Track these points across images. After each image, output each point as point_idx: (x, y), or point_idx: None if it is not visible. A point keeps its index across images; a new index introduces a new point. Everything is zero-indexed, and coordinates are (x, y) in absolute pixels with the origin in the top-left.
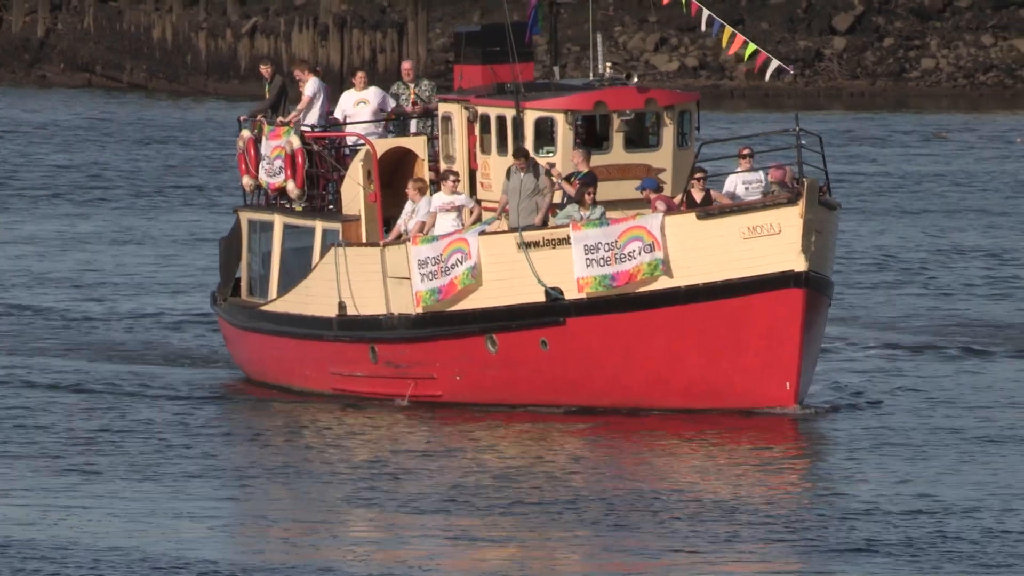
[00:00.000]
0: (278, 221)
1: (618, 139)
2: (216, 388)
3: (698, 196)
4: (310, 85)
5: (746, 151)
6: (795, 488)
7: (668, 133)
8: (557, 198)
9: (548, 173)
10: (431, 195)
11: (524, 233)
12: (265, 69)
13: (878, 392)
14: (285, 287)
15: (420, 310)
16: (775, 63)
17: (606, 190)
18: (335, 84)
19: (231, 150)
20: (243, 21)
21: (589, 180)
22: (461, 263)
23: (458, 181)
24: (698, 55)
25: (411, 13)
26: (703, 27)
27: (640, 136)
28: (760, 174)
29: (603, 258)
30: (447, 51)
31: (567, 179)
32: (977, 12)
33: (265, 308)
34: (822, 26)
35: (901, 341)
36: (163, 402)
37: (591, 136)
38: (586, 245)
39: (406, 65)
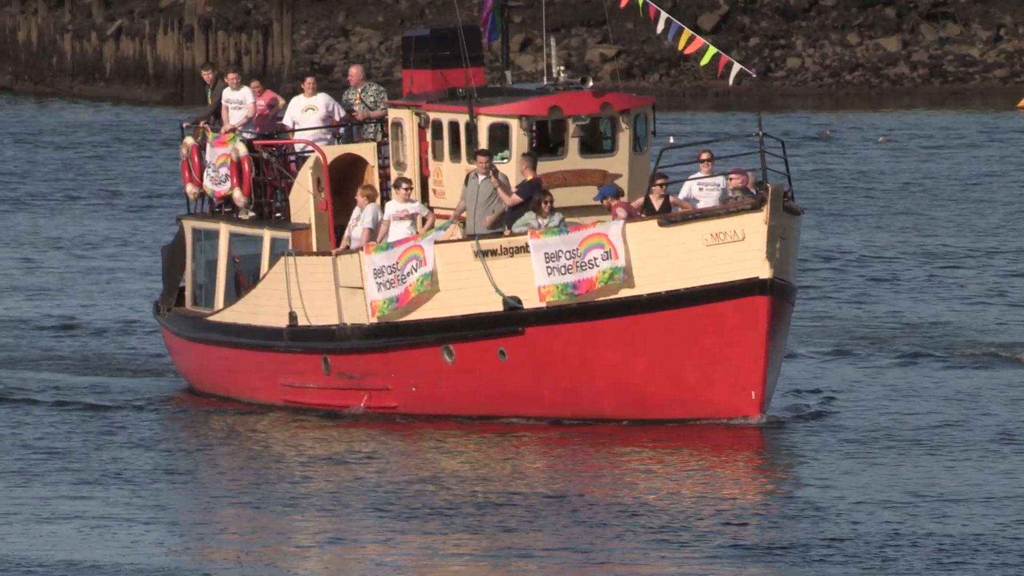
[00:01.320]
0: (224, 229)
1: (573, 144)
2: (160, 399)
3: (657, 203)
4: (249, 94)
5: (705, 155)
6: (761, 498)
7: (624, 138)
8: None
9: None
10: (380, 203)
11: (481, 241)
12: (207, 75)
13: (839, 399)
14: (232, 297)
15: (376, 319)
16: (737, 67)
17: (561, 196)
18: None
19: (95, 152)
20: (108, 23)
21: (534, 188)
22: (416, 270)
23: (411, 189)
24: (563, 55)
25: (276, 15)
26: (659, 29)
27: (594, 141)
28: (719, 179)
29: (564, 266)
30: (311, 52)
31: (518, 188)
32: (842, 11)
33: (212, 318)
34: (687, 26)
35: (842, 345)
36: (105, 413)
37: (544, 142)
38: (546, 253)
39: (354, 70)
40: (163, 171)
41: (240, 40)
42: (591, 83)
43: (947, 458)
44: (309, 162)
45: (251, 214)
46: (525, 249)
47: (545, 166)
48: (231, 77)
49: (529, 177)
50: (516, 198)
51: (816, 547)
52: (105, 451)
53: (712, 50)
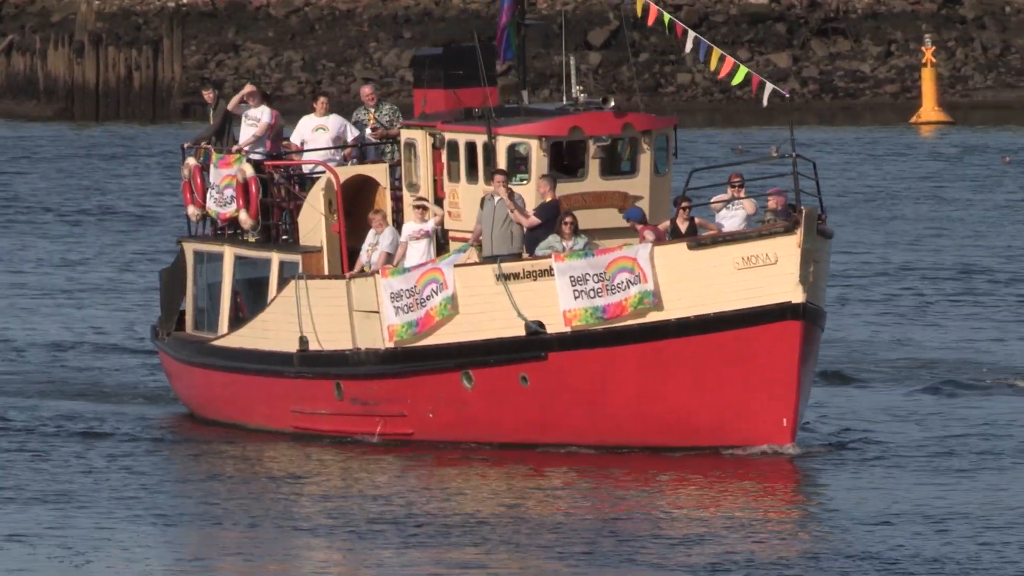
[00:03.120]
0: (228, 252)
1: (594, 166)
2: (160, 426)
3: (683, 225)
4: (266, 112)
5: (736, 178)
6: (795, 532)
7: (645, 159)
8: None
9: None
10: (392, 225)
11: (503, 264)
12: (207, 94)
13: (868, 427)
14: (238, 321)
15: (393, 344)
16: (770, 86)
17: (581, 219)
18: (91, 101)
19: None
20: None
21: (553, 210)
22: (437, 294)
23: (427, 209)
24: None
25: (166, 30)
26: (687, 49)
27: (612, 162)
28: (747, 202)
29: (593, 289)
30: (201, 68)
31: (536, 210)
32: (732, 27)
33: (216, 343)
34: (577, 41)
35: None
36: (105, 440)
37: (559, 162)
38: (572, 276)
39: (366, 90)
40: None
41: (131, 56)
42: (612, 103)
43: (988, 484)
44: (320, 183)
45: (257, 236)
46: (549, 272)
47: (564, 188)
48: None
49: (549, 199)
50: (534, 219)
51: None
52: (105, 479)
53: (743, 70)
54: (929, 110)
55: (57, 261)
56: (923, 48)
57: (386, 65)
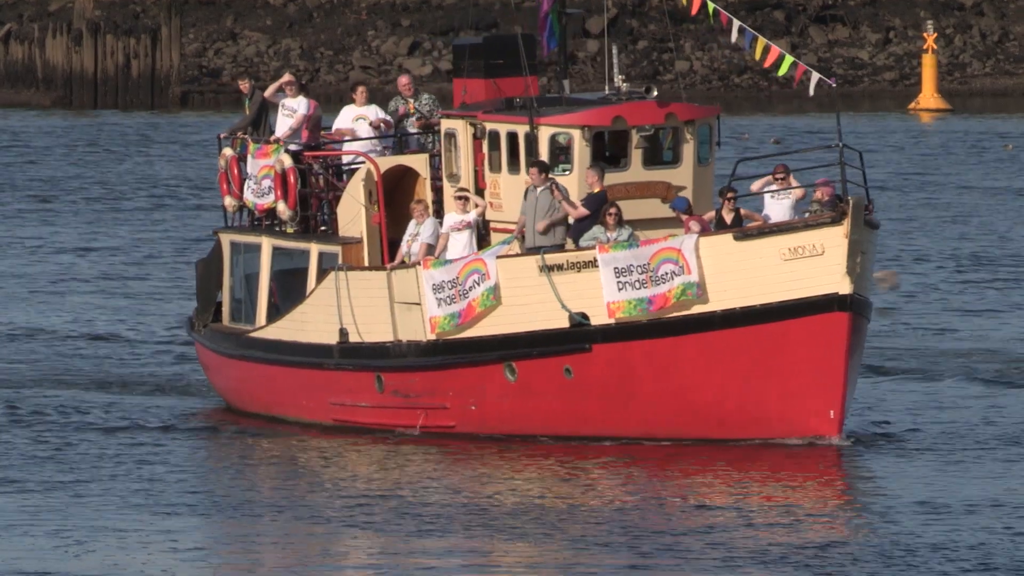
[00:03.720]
0: (266, 243)
1: (636, 156)
2: (199, 418)
3: (728, 216)
4: (303, 103)
5: (782, 170)
6: (843, 526)
7: (688, 149)
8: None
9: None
10: (433, 216)
11: (547, 256)
12: (244, 84)
13: (913, 419)
14: (276, 312)
15: (435, 336)
16: (816, 76)
17: (624, 209)
18: (89, 90)
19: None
20: None
21: (600, 200)
22: (479, 284)
23: (469, 200)
24: (451, 59)
25: (164, 19)
26: (733, 38)
27: (655, 152)
28: (795, 192)
29: (638, 280)
30: (200, 56)
31: (583, 200)
32: (731, 14)
33: (254, 335)
34: (575, 29)
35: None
36: (141, 432)
37: (602, 153)
38: (616, 268)
39: (404, 80)
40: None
41: (129, 44)
42: (655, 92)
43: None
44: (360, 173)
45: (296, 227)
46: (593, 264)
47: (607, 178)
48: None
49: (597, 189)
50: (583, 210)
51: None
52: (145, 472)
53: (789, 59)
54: (928, 97)
55: (76, 248)
56: (924, 34)
57: (384, 53)
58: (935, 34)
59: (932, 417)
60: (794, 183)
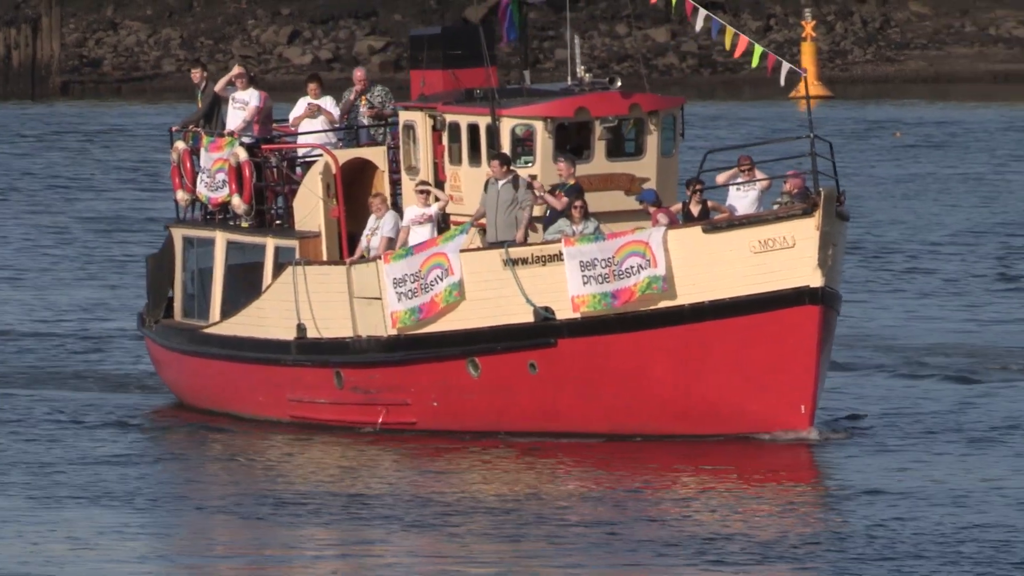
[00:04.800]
0: (220, 238)
1: (600, 147)
2: (150, 415)
3: (695, 208)
4: (254, 96)
5: (747, 161)
6: (814, 521)
7: (652, 140)
8: (538, 212)
9: (529, 186)
10: (391, 210)
11: (511, 249)
12: (197, 74)
13: (881, 413)
14: (231, 308)
15: (396, 331)
16: (787, 66)
17: (587, 201)
18: None
19: None
20: None
21: (576, 192)
22: (442, 279)
23: (430, 194)
24: (331, 48)
25: (45, 8)
26: (698, 28)
27: (618, 144)
28: (761, 183)
29: (601, 275)
30: (80, 46)
31: (551, 191)
32: (612, 1)
33: (208, 330)
34: (455, 17)
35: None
36: (92, 429)
37: (565, 144)
38: (581, 261)
39: (359, 73)
40: None
41: (9, 34)
42: (619, 83)
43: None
44: (318, 166)
45: (251, 221)
46: (558, 257)
47: None
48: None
49: (572, 182)
50: (566, 200)
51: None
52: (95, 470)
53: (759, 50)
54: (809, 84)
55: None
56: (803, 22)
57: (264, 42)
58: (814, 21)
59: (902, 409)
60: (759, 175)
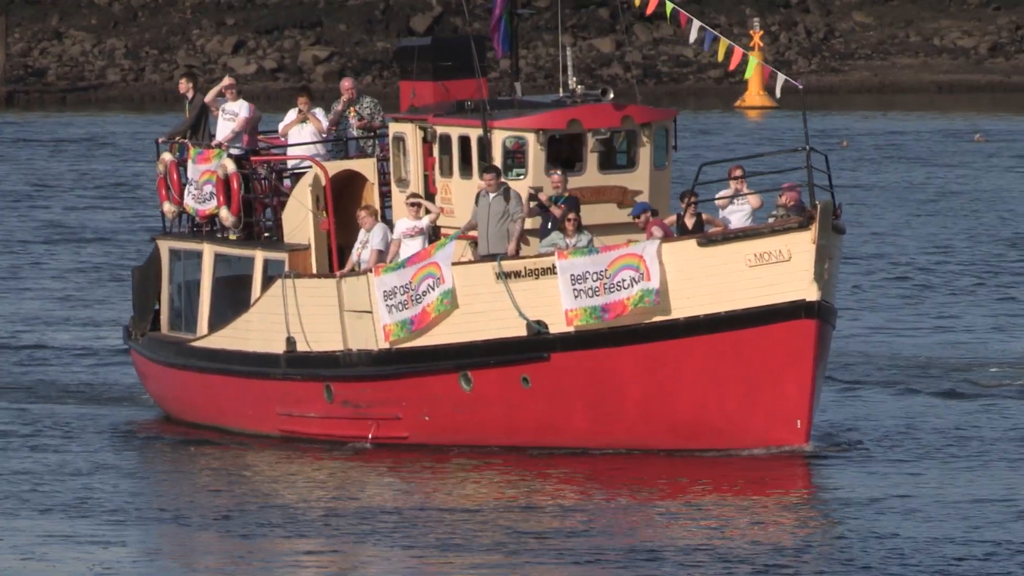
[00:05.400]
0: (208, 250)
1: (592, 159)
2: (136, 428)
3: (689, 221)
4: (244, 107)
5: (738, 171)
6: (810, 535)
7: (644, 153)
8: (530, 224)
9: (534, 198)
10: (380, 222)
11: (504, 263)
12: (185, 85)
13: (879, 427)
14: (219, 321)
15: (388, 345)
16: (782, 78)
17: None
18: None
19: None
20: None
21: (572, 204)
22: (434, 289)
23: (421, 207)
24: (276, 58)
25: None
26: (691, 39)
27: (610, 156)
28: (752, 197)
29: (591, 288)
30: (25, 55)
31: (554, 203)
32: (555, 12)
33: (196, 344)
34: (400, 27)
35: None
36: (78, 443)
37: (557, 156)
38: (572, 275)
39: (346, 83)
40: None
41: None
42: (611, 95)
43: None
44: (307, 179)
45: (239, 233)
46: (551, 271)
47: None
48: (228, 85)
49: (567, 194)
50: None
51: None
52: (80, 483)
53: (753, 61)
54: (754, 94)
55: None
56: (751, 31)
57: (209, 52)
58: (761, 31)
59: (895, 424)
60: (745, 188)
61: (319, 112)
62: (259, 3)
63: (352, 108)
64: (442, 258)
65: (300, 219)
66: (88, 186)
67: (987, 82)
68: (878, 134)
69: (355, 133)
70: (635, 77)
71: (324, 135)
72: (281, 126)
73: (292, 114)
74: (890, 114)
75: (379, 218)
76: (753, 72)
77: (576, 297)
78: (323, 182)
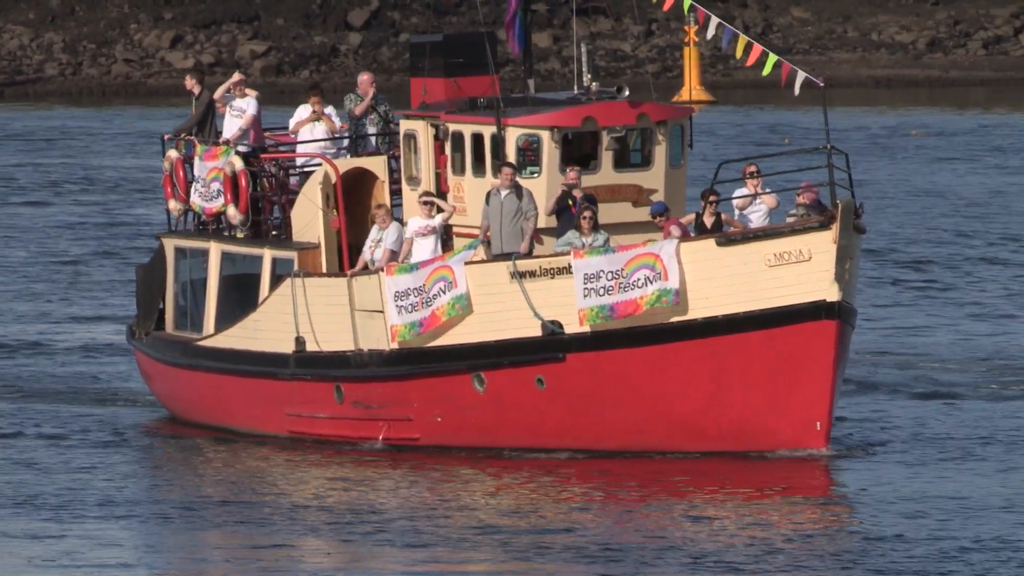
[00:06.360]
0: (214, 248)
1: (607, 158)
2: (140, 429)
3: (709, 220)
4: (252, 104)
5: (752, 168)
6: (833, 541)
7: (660, 151)
8: (542, 223)
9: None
10: (395, 221)
11: (518, 262)
12: (191, 82)
13: (898, 430)
14: (226, 320)
15: (396, 345)
16: (802, 75)
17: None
18: None
19: None
20: None
21: (589, 202)
22: (445, 292)
23: (434, 205)
24: (214, 52)
25: None
26: (709, 35)
27: (625, 154)
28: (768, 197)
29: (604, 287)
30: None
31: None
32: (493, 6)
33: (202, 343)
34: (337, 21)
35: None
36: (81, 443)
37: (570, 155)
38: (586, 274)
39: (365, 77)
40: None
41: None
42: (626, 92)
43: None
44: (317, 176)
45: (246, 231)
46: (567, 270)
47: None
48: (237, 82)
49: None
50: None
51: None
52: (85, 485)
53: (773, 58)
54: (691, 89)
55: None
56: (685, 27)
57: (147, 46)
58: (696, 27)
59: (916, 426)
60: (761, 188)
61: (331, 110)
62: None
63: (368, 103)
64: (456, 261)
65: (310, 217)
66: (43, 181)
67: (925, 77)
68: (817, 129)
69: (372, 130)
70: (571, 72)
71: (335, 132)
72: (292, 123)
73: (302, 111)
74: (829, 109)
75: (393, 217)
76: (770, 68)
77: (586, 296)
78: (333, 179)
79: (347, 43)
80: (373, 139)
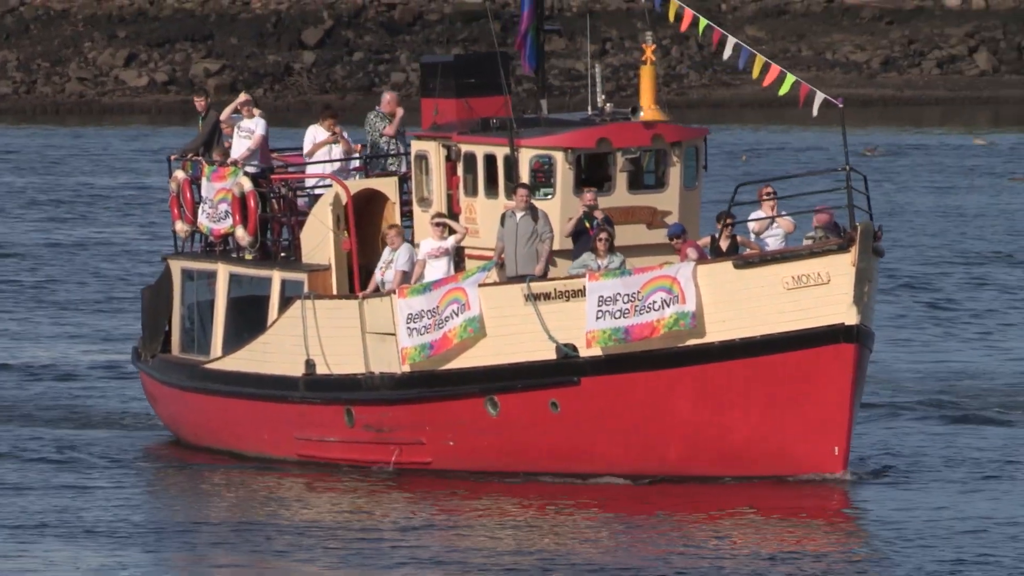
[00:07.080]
0: (222, 270)
1: (621, 179)
2: (146, 453)
3: (724, 244)
4: (260, 124)
5: (768, 190)
6: (850, 566)
7: (675, 172)
8: (558, 244)
9: (589, 216)
10: (406, 242)
11: (533, 284)
12: (199, 102)
13: (916, 454)
14: (234, 343)
15: (408, 368)
16: (820, 96)
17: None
18: None
19: None
20: None
21: (609, 224)
22: (458, 315)
23: (446, 227)
24: (168, 71)
25: None
26: (726, 56)
27: (639, 175)
28: (784, 221)
29: (620, 310)
30: None
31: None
32: (447, 25)
33: (210, 366)
34: (291, 40)
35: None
36: (86, 466)
37: (586, 176)
38: (601, 296)
39: (388, 96)
40: None
41: None
42: (641, 113)
43: None
44: (328, 197)
45: (255, 253)
46: (582, 293)
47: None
48: (245, 102)
49: (601, 215)
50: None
51: None
52: (91, 509)
53: (791, 79)
54: (646, 108)
55: None
56: (644, 45)
57: (101, 65)
58: (654, 45)
59: (934, 450)
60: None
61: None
62: (151, 16)
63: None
64: (469, 284)
65: (320, 238)
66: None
67: (879, 96)
68: (771, 148)
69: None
70: (525, 91)
71: (351, 154)
72: (306, 145)
73: (314, 133)
74: (782, 127)
75: (405, 238)
76: (788, 88)
77: (599, 318)
78: (344, 201)
79: (301, 61)
80: (389, 159)
